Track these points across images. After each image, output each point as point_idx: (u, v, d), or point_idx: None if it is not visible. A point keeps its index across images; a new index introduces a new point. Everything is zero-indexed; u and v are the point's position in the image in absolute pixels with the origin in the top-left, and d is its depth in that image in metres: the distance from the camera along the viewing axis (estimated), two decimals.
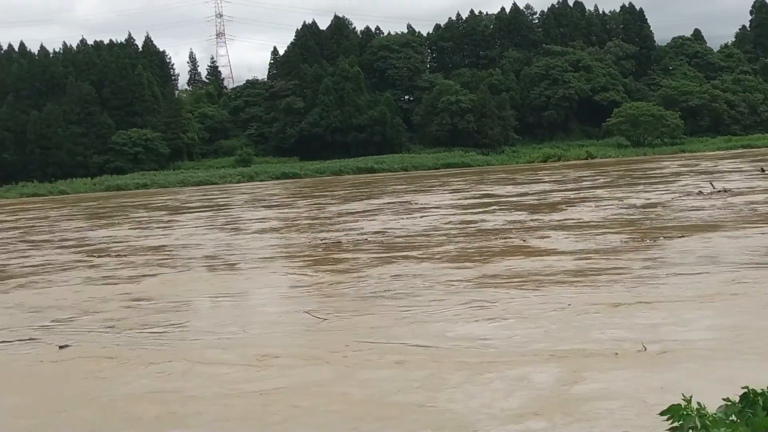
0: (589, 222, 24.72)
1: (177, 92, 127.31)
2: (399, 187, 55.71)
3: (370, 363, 10.04)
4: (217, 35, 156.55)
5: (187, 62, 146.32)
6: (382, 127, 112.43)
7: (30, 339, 12.63)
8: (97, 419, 8.48)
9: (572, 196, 35.70)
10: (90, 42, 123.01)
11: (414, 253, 20.18)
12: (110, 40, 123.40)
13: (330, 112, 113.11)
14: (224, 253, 22.98)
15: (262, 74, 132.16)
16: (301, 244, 24.14)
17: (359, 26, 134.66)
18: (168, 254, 23.60)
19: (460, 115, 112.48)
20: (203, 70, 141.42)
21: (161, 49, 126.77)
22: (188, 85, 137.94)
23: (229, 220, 35.31)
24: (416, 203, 37.44)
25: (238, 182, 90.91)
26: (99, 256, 24.10)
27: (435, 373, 9.34)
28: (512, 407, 8.08)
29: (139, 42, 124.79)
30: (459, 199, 38.91)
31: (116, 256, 23.95)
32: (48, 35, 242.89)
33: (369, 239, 23.87)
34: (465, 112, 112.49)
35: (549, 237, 21.75)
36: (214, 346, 11.40)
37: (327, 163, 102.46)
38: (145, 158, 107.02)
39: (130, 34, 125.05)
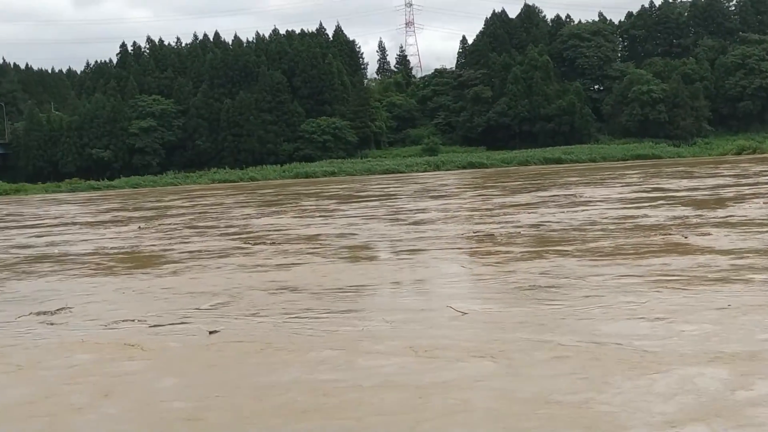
0: (754, 219, 23.63)
1: (366, 81, 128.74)
2: (572, 179, 54.69)
3: (526, 359, 9.61)
4: (406, 24, 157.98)
5: (377, 51, 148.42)
6: (571, 117, 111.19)
7: (181, 323, 12.76)
8: (250, 406, 8.42)
9: (745, 192, 34.25)
10: (282, 31, 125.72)
11: (566, 248, 19.61)
12: (301, 30, 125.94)
13: (518, 102, 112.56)
14: (377, 244, 22.92)
15: (450, 63, 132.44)
16: (453, 236, 23.85)
17: (549, 14, 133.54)
18: (321, 243, 23.64)
19: (652, 105, 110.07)
20: (392, 59, 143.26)
21: (351, 39, 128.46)
22: (377, 74, 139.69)
23: (392, 210, 35.24)
24: (582, 196, 36.68)
25: (425, 171, 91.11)
26: (255, 244, 24.38)
27: (594, 373, 8.90)
28: (671, 411, 7.62)
29: (330, 31, 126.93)
30: (627, 192, 37.82)
31: (271, 244, 24.17)
32: (241, 25, 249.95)
33: (522, 232, 23.40)
34: (656, 102, 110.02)
35: (710, 234, 20.82)
36: (364, 337, 11.17)
37: (514, 152, 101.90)
38: (334, 146, 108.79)
39: (321, 24, 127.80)
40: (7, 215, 50.27)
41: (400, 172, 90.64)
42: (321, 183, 75.01)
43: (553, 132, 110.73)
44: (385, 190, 53.85)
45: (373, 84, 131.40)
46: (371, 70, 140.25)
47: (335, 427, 7.75)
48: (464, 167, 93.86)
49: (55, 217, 44.63)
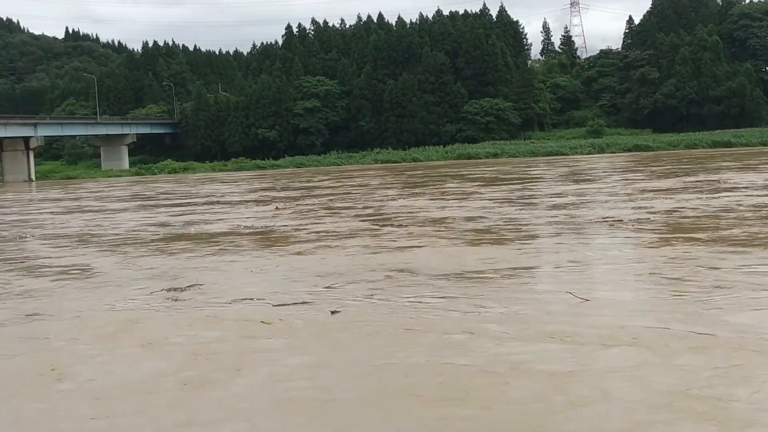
0: None
1: (529, 62, 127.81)
2: (725, 163, 52.92)
3: (662, 350, 9.30)
4: (571, 5, 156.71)
5: (540, 32, 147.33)
6: (741, 99, 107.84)
7: (304, 302, 12.94)
8: (374, 389, 8.44)
9: None
10: (445, 12, 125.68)
11: (697, 236, 19.01)
12: (465, 11, 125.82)
13: (686, 83, 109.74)
14: (504, 228, 22.61)
15: (615, 44, 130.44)
16: (582, 221, 23.40)
17: None
18: (448, 226, 23.51)
19: None
20: (556, 39, 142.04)
21: (515, 19, 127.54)
22: (541, 55, 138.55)
23: (529, 194, 34.85)
24: (726, 182, 35.45)
25: (589, 153, 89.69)
26: (383, 226, 24.46)
27: (732, 366, 8.58)
28: None
29: (493, 12, 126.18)
30: None
31: (398, 226, 24.19)
32: (405, 6, 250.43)
33: (653, 219, 22.79)
34: None
35: None
36: (487, 321, 11.03)
37: (681, 135, 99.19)
38: (496, 128, 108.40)
39: (484, 5, 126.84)
40: (161, 193, 51.83)
41: (564, 155, 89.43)
42: (478, 165, 74.58)
43: (722, 115, 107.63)
44: (532, 173, 53.32)
45: (537, 65, 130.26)
46: (535, 51, 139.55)
47: (462, 415, 7.57)
48: (629, 150, 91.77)
49: (205, 196, 45.73)
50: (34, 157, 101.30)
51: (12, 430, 7.91)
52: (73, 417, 8.12)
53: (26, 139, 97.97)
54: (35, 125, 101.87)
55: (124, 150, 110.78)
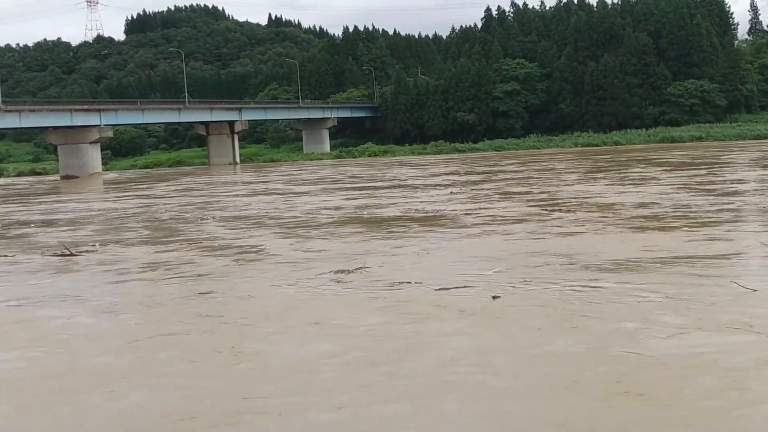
0: None
1: (736, 42, 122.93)
2: None
3: None
4: None
5: (748, 11, 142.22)
6: None
7: (466, 287, 13.12)
8: (542, 377, 8.43)
9: None
10: None
11: None
12: None
13: None
14: (673, 214, 22.11)
15: None
16: (755, 209, 22.79)
17: None
18: (615, 212, 23.17)
19: None
20: (765, 18, 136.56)
21: None
22: (748, 35, 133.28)
23: (709, 179, 33.73)
24: None
25: None
26: (551, 211, 24.31)
27: None
28: None
29: None
30: None
31: (566, 211, 23.99)
32: None
33: None
34: None
35: None
36: (650, 309, 10.95)
37: None
38: (701, 110, 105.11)
39: None
40: (348, 177, 52.84)
41: None
42: (672, 149, 72.30)
43: None
44: (723, 158, 51.44)
45: (744, 45, 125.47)
46: (742, 31, 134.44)
47: (628, 409, 7.42)
48: None
49: (388, 180, 46.29)
50: (239, 140, 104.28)
51: (177, 404, 8.21)
52: (236, 395, 8.34)
53: (231, 123, 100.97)
54: (240, 110, 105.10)
55: (325, 133, 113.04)
